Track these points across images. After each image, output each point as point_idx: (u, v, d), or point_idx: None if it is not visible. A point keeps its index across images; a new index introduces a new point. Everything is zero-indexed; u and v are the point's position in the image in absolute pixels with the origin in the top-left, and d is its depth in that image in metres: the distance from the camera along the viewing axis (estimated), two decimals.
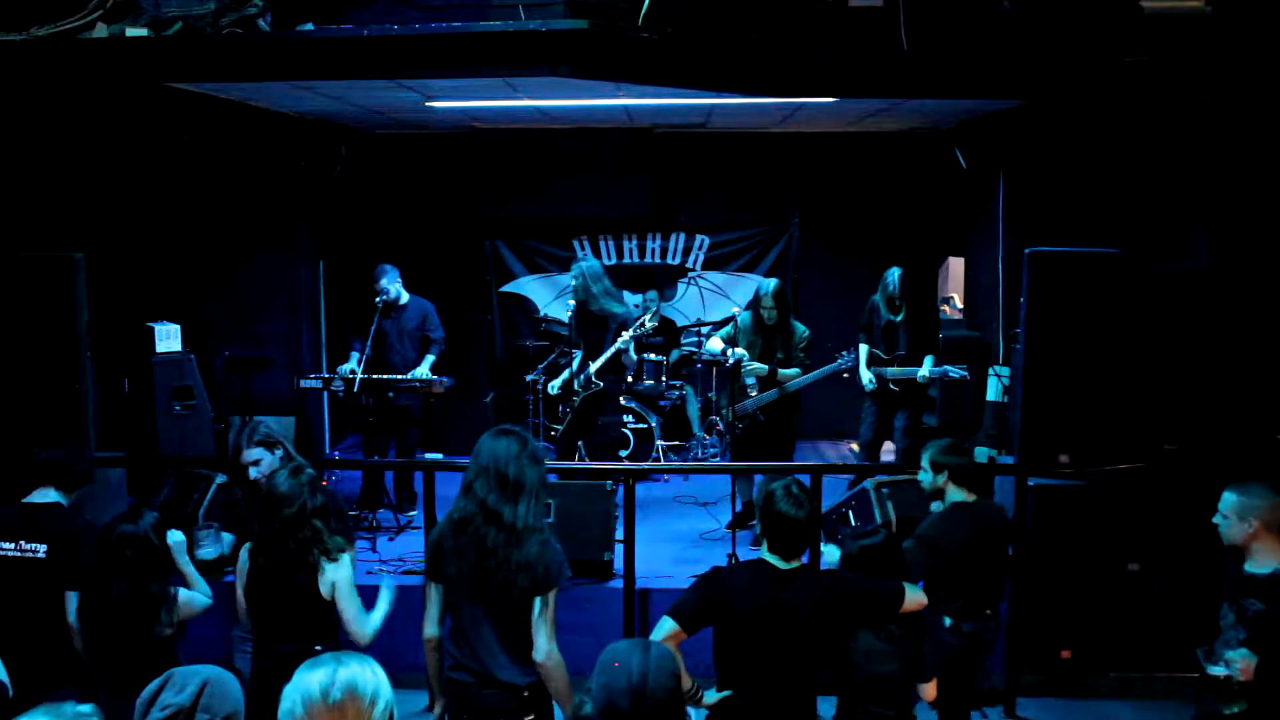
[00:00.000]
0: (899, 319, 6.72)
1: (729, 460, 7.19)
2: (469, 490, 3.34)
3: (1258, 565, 3.53)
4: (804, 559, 3.35)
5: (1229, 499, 3.59)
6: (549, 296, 9.25)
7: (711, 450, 8.29)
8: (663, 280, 9.11)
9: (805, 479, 4.55)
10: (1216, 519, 3.62)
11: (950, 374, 6.54)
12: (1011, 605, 5.29)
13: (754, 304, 6.37)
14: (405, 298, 6.99)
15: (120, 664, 3.45)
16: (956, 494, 4.17)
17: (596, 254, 9.10)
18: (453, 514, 3.39)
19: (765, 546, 3.31)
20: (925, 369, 6.55)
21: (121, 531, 3.50)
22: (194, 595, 3.74)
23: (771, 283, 6.31)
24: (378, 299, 6.81)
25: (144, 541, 3.51)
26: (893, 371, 6.62)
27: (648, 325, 6.48)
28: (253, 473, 4.19)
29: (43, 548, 3.76)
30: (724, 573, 3.47)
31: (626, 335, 6.35)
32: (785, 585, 3.23)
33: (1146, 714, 5.15)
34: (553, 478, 3.88)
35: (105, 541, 3.52)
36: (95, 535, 3.94)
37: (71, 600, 3.68)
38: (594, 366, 6.50)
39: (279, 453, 4.27)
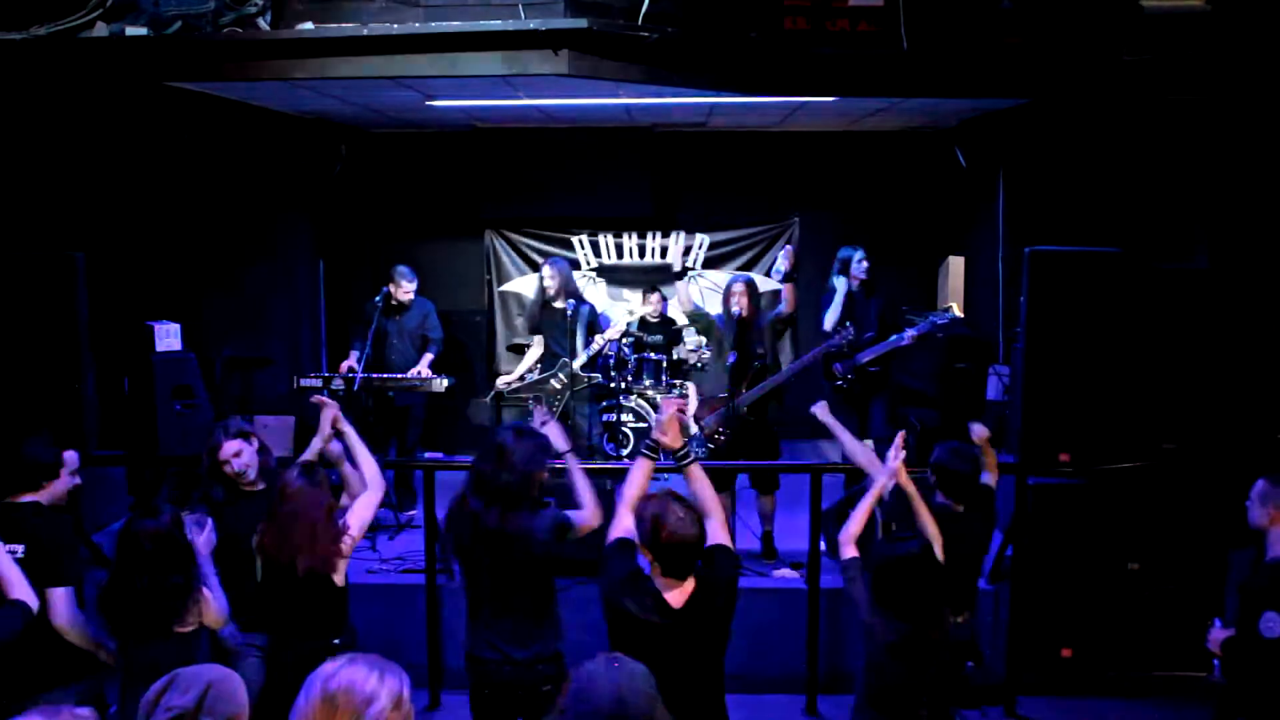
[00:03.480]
0: (866, 295, 6.61)
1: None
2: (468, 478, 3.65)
3: (1271, 553, 3.69)
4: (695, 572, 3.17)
5: (1258, 485, 3.77)
6: None
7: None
8: (663, 279, 9.10)
9: (805, 478, 4.55)
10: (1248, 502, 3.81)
11: (936, 321, 6.22)
12: (1012, 604, 5.30)
13: (724, 299, 6.15)
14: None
15: (144, 660, 3.34)
16: (942, 500, 4.12)
17: (596, 253, 9.09)
18: (453, 509, 3.68)
19: (658, 569, 3.12)
20: (907, 330, 6.23)
21: (141, 526, 3.41)
22: (219, 598, 3.61)
23: (742, 275, 6.29)
24: (377, 298, 6.82)
25: (165, 536, 3.41)
26: (869, 353, 6.32)
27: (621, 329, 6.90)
28: (235, 464, 4.11)
29: (21, 547, 3.68)
30: (623, 588, 3.13)
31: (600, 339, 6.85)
32: (679, 617, 3.07)
33: (1146, 714, 5.15)
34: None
35: (125, 536, 3.43)
36: (71, 531, 3.86)
37: (55, 598, 3.59)
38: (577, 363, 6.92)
39: (255, 443, 4.24)
